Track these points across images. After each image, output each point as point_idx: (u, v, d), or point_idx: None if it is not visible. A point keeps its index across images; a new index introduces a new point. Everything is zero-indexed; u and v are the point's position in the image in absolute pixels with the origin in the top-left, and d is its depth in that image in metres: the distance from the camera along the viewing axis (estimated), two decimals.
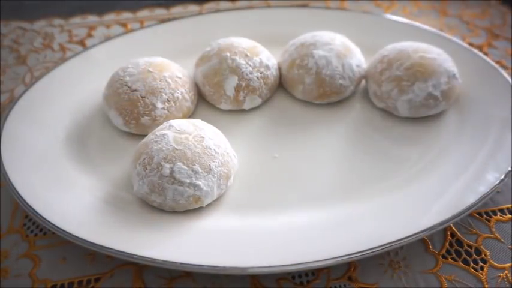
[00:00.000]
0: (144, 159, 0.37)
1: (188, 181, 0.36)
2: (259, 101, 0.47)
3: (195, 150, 0.37)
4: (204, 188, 0.36)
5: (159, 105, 0.43)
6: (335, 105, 0.48)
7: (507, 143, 0.40)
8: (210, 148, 0.37)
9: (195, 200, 0.37)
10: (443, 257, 0.37)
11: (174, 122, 0.40)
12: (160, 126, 0.40)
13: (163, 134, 0.38)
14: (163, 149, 0.37)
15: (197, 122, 0.40)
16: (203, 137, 0.38)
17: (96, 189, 0.40)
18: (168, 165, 0.36)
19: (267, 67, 0.47)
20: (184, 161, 0.36)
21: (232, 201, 0.39)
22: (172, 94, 0.44)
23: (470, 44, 0.60)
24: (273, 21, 0.58)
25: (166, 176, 0.36)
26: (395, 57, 0.45)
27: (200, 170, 0.36)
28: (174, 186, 0.36)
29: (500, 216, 0.40)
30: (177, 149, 0.37)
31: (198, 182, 0.36)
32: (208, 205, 0.38)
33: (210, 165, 0.37)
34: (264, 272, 0.33)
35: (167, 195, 0.36)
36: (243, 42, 0.48)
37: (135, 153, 0.39)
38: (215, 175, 0.37)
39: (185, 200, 0.36)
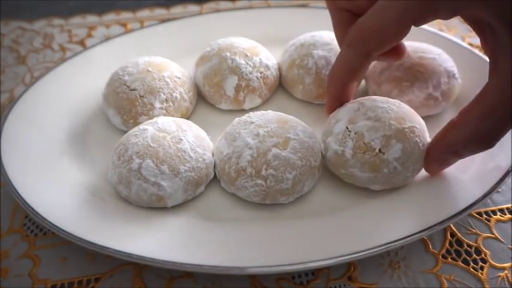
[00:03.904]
0: (121, 149, 0.38)
1: (153, 179, 0.36)
2: (259, 101, 0.47)
3: (168, 151, 0.37)
4: (168, 190, 0.36)
5: (157, 104, 0.44)
6: None
7: (507, 143, 0.40)
8: (185, 151, 0.37)
9: (157, 199, 0.37)
10: (443, 257, 0.37)
11: (160, 119, 0.40)
12: (148, 121, 0.41)
13: (145, 129, 0.38)
14: (139, 143, 0.37)
15: (184, 123, 0.40)
16: (181, 139, 0.38)
17: (96, 188, 0.40)
18: (138, 160, 0.36)
19: (267, 67, 0.47)
20: (154, 159, 0.36)
21: (233, 200, 0.39)
22: (171, 94, 0.44)
23: (470, 44, 0.60)
24: (273, 21, 0.58)
25: (134, 171, 0.36)
26: None
27: (167, 171, 0.36)
28: (139, 181, 0.36)
29: (500, 216, 0.40)
30: (151, 146, 0.37)
31: (162, 183, 0.36)
32: (208, 205, 0.39)
33: (179, 168, 0.37)
34: (264, 272, 0.33)
35: (132, 188, 0.37)
36: (243, 42, 0.48)
37: (118, 142, 0.39)
38: (182, 179, 0.37)
39: (148, 197, 0.37)
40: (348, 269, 0.36)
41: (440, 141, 0.36)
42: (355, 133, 0.37)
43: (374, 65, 0.47)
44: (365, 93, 0.49)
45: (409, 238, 0.33)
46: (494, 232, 0.38)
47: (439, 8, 0.31)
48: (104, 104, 0.46)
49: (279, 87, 0.50)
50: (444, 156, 0.36)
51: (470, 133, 0.33)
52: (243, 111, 0.47)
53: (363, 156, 0.36)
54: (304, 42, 0.48)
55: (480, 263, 0.36)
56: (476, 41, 0.61)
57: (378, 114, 0.37)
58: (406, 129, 0.37)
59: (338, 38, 0.40)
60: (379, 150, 0.36)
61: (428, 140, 0.38)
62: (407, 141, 0.36)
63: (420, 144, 0.37)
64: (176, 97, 0.45)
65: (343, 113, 0.39)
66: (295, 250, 0.34)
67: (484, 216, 0.40)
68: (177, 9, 0.70)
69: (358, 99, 0.41)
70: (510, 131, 0.41)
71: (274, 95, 0.50)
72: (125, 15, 0.69)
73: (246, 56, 0.46)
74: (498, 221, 0.39)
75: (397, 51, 0.39)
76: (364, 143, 0.37)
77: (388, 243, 0.33)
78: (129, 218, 0.37)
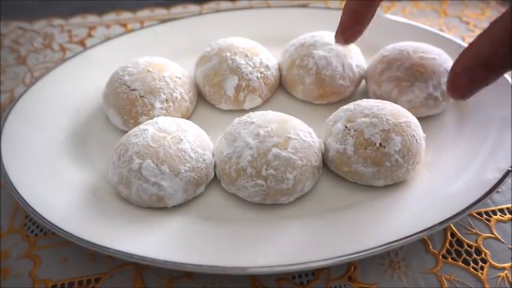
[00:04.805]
0: (121, 149, 0.38)
1: (153, 180, 0.36)
2: (259, 101, 0.47)
3: (168, 151, 0.37)
4: (168, 190, 0.36)
5: (158, 105, 0.44)
6: (335, 105, 0.48)
7: (507, 143, 0.40)
8: (185, 151, 0.37)
9: (157, 199, 0.37)
10: (443, 257, 0.37)
11: (160, 119, 0.40)
12: (148, 121, 0.41)
13: (145, 129, 0.38)
14: (139, 143, 0.37)
15: (184, 123, 0.40)
16: (181, 139, 0.38)
17: (96, 188, 0.40)
18: (138, 160, 0.36)
19: (267, 67, 0.47)
20: (154, 159, 0.36)
21: (233, 200, 0.39)
22: (171, 94, 0.44)
23: None
24: (273, 21, 0.58)
25: (135, 171, 0.36)
26: (395, 57, 0.45)
27: (168, 171, 0.36)
28: (140, 182, 0.36)
29: (500, 216, 0.40)
30: (151, 146, 0.37)
31: (162, 183, 0.36)
32: (208, 205, 0.39)
33: (179, 168, 0.37)
34: (264, 272, 0.33)
35: (132, 189, 0.37)
36: (243, 42, 0.48)
37: (118, 142, 0.39)
38: (183, 179, 0.37)
39: (148, 197, 0.37)
40: (348, 269, 0.36)
41: (467, 52, 0.32)
42: (355, 130, 0.38)
43: (374, 65, 0.47)
44: (365, 93, 0.49)
45: (410, 238, 0.33)
46: (495, 232, 0.38)
47: None
48: (104, 104, 0.46)
49: (279, 87, 0.50)
50: (471, 69, 0.31)
51: (499, 37, 0.30)
52: (243, 111, 0.47)
53: (364, 152, 0.37)
54: (304, 42, 0.48)
55: (480, 263, 0.36)
56: None
57: (374, 111, 0.38)
58: (403, 124, 0.37)
59: None
60: (380, 144, 0.37)
61: (423, 135, 0.39)
62: (405, 134, 0.37)
63: (417, 138, 0.38)
64: (176, 97, 0.45)
65: (340, 115, 0.40)
66: (295, 250, 0.34)
67: (484, 216, 0.40)
68: (177, 9, 0.70)
69: (351, 102, 0.41)
70: (510, 131, 0.41)
71: (275, 95, 0.50)
72: (125, 15, 0.70)
73: (246, 56, 0.46)
74: (498, 221, 0.39)
75: None
76: (365, 139, 0.37)
77: (388, 243, 0.33)
78: (130, 218, 0.37)
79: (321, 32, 0.49)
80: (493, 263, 0.36)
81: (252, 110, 0.47)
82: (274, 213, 0.38)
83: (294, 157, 0.36)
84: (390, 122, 0.37)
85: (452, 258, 0.37)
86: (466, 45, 0.51)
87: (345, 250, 0.33)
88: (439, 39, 0.52)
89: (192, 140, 0.39)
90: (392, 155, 0.37)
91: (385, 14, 0.65)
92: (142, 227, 0.36)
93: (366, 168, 0.37)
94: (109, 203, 0.38)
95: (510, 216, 0.40)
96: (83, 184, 0.40)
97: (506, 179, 0.37)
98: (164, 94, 0.44)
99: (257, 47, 0.49)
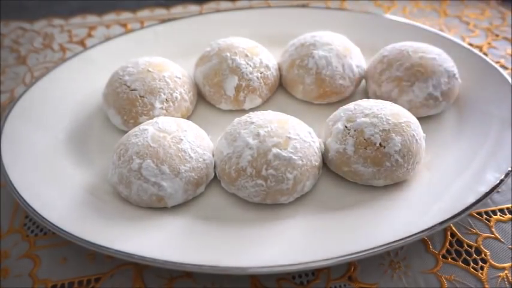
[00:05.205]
0: (121, 149, 0.38)
1: (153, 180, 0.36)
2: (259, 101, 0.47)
3: (168, 151, 0.37)
4: (168, 190, 0.36)
5: (158, 105, 0.44)
6: (335, 105, 0.48)
7: (507, 143, 0.40)
8: (185, 151, 0.37)
9: (157, 199, 0.37)
10: (443, 257, 0.37)
11: (160, 119, 0.40)
12: (148, 121, 0.41)
13: (145, 129, 0.38)
14: (139, 143, 0.37)
15: (184, 123, 0.40)
16: (181, 139, 0.38)
17: (96, 188, 0.40)
18: (138, 160, 0.36)
19: (267, 67, 0.47)
20: (154, 159, 0.36)
21: (233, 200, 0.39)
22: (171, 94, 0.44)
23: (470, 44, 0.60)
24: (273, 21, 0.58)
25: (135, 171, 0.36)
26: (395, 57, 0.45)
27: (168, 171, 0.36)
28: (140, 182, 0.36)
29: (500, 216, 0.40)
30: (151, 146, 0.37)
31: (162, 183, 0.36)
32: (208, 205, 0.39)
33: (179, 168, 0.37)
34: (264, 272, 0.33)
35: (132, 189, 0.37)
36: (243, 42, 0.48)
37: (118, 142, 0.39)
38: (183, 179, 0.37)
39: (148, 197, 0.37)
40: (348, 269, 0.36)
41: None
42: (355, 130, 0.38)
43: (374, 65, 0.47)
44: (365, 93, 0.49)
45: (410, 238, 0.33)
46: (494, 232, 0.38)
47: None
48: (104, 104, 0.46)
49: (279, 87, 0.50)
50: None
51: None
52: (243, 111, 0.47)
53: (364, 152, 0.37)
54: (304, 42, 0.48)
55: (480, 263, 0.36)
56: (476, 41, 0.62)
57: (374, 111, 0.38)
58: (403, 124, 0.37)
59: None
60: (380, 144, 0.37)
61: (423, 135, 0.39)
62: (405, 134, 0.37)
63: (417, 138, 0.38)
64: (176, 97, 0.45)
65: (340, 115, 0.40)
66: (295, 250, 0.34)
67: (484, 216, 0.40)
68: (177, 9, 0.70)
69: (351, 102, 0.41)
70: (510, 131, 0.41)
71: (275, 95, 0.50)
72: (125, 15, 0.70)
73: (246, 56, 0.46)
74: (498, 221, 0.39)
75: None
76: (365, 139, 0.37)
77: (389, 243, 0.33)
78: (129, 218, 0.37)
79: (320, 32, 0.49)
80: (493, 263, 0.36)
81: (252, 110, 0.47)
82: (274, 213, 0.38)
83: (294, 157, 0.36)
84: (390, 122, 0.37)
85: (452, 258, 0.37)
86: (466, 45, 0.51)
87: (345, 250, 0.33)
88: (439, 39, 0.52)
89: (192, 140, 0.39)
90: (393, 155, 0.37)
91: (385, 14, 0.65)
92: (142, 227, 0.36)
93: (366, 168, 0.37)
94: (109, 203, 0.38)
95: (510, 216, 0.39)
96: (83, 184, 0.40)
97: (506, 179, 0.37)
98: (164, 94, 0.44)
99: (257, 47, 0.49)
